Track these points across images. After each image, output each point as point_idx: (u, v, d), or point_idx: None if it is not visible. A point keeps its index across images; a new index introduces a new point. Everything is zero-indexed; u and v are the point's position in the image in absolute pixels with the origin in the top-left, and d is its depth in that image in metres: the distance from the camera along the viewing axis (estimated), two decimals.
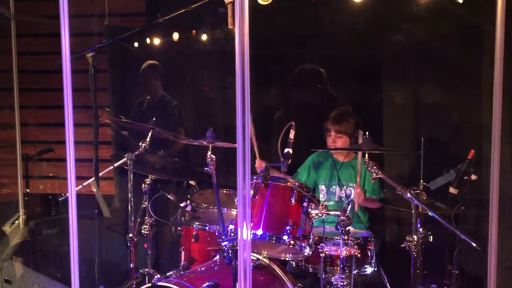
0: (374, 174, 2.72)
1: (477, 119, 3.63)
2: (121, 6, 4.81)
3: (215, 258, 2.98)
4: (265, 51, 4.21)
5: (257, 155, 3.31)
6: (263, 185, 2.59)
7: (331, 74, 4.17)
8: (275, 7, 2.97)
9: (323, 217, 2.60)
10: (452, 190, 2.76)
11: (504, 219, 2.97)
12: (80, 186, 3.40)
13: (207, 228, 3.08)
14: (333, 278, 2.52)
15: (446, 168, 2.82)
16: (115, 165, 3.50)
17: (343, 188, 3.36)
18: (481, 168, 3.02)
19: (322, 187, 3.45)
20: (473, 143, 3.50)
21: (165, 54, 4.37)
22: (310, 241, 2.62)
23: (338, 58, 4.18)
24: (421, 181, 2.89)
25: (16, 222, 4.17)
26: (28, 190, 4.41)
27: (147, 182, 3.38)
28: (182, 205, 3.18)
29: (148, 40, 4.39)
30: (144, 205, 3.39)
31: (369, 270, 2.91)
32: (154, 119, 3.48)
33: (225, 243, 2.43)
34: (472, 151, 2.75)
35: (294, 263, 3.00)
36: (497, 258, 1.65)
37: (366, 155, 2.78)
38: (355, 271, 2.80)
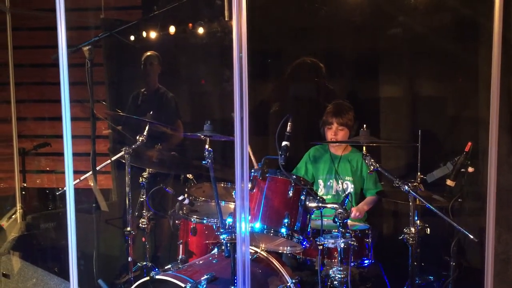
0: (372, 167, 2.73)
1: (474, 112, 3.63)
2: None
3: (213, 251, 2.98)
4: (261, 44, 4.19)
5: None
6: (260, 178, 2.59)
7: (328, 67, 4.16)
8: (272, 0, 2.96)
9: (321, 209, 2.61)
10: (449, 182, 2.77)
11: (501, 212, 2.99)
12: (78, 180, 3.40)
13: (205, 221, 3.08)
14: (330, 270, 2.52)
15: (443, 160, 2.83)
16: (113, 159, 3.50)
17: (340, 182, 3.38)
18: (478, 160, 3.03)
19: (320, 181, 3.46)
20: (470, 135, 3.51)
21: (161, 47, 4.35)
22: (308, 234, 2.63)
23: (335, 51, 4.17)
24: (418, 173, 2.90)
25: (13, 216, 4.16)
26: (25, 185, 4.40)
27: (144, 176, 3.38)
28: (180, 198, 3.18)
29: (144, 33, 4.36)
30: (141, 199, 3.39)
31: (366, 262, 2.93)
32: (151, 112, 3.46)
33: (223, 236, 2.43)
34: (469, 143, 2.76)
35: (291, 255, 3.01)
36: (494, 250, 1.66)
37: (364, 148, 2.78)
38: (353, 264, 2.82)
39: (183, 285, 2.39)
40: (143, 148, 3.39)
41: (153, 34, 4.34)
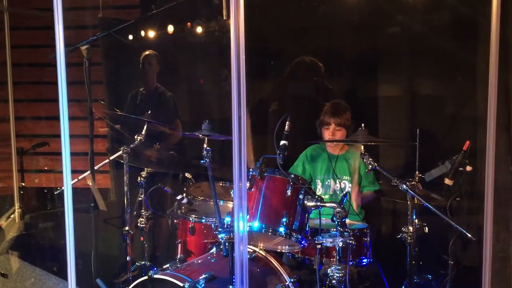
0: (370, 166, 2.72)
1: (472, 111, 3.63)
2: None
3: (211, 251, 2.98)
4: (260, 43, 4.19)
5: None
6: (259, 177, 2.59)
7: (327, 66, 4.16)
8: None
9: (319, 208, 2.60)
10: (447, 181, 2.77)
11: (498, 210, 3.00)
12: (76, 180, 3.39)
13: (203, 220, 3.08)
14: (329, 269, 2.52)
15: (441, 159, 2.83)
16: (111, 158, 3.49)
17: (337, 181, 3.38)
18: (476, 159, 3.03)
19: (318, 181, 3.46)
20: (468, 134, 3.51)
21: (160, 47, 4.35)
22: (306, 233, 2.63)
23: (334, 50, 4.17)
24: (417, 172, 2.90)
25: (12, 216, 4.16)
26: (23, 184, 4.40)
27: (143, 175, 3.37)
28: (178, 198, 3.18)
29: (142, 33, 4.36)
30: (140, 198, 3.38)
31: (365, 261, 2.93)
32: (149, 111, 3.46)
33: (222, 235, 2.43)
34: (467, 142, 2.76)
35: (290, 255, 3.01)
36: (492, 249, 1.66)
37: (362, 146, 2.78)
38: (351, 263, 2.82)
39: (181, 284, 2.39)
40: (142, 148, 3.39)
41: (151, 33, 4.34)
